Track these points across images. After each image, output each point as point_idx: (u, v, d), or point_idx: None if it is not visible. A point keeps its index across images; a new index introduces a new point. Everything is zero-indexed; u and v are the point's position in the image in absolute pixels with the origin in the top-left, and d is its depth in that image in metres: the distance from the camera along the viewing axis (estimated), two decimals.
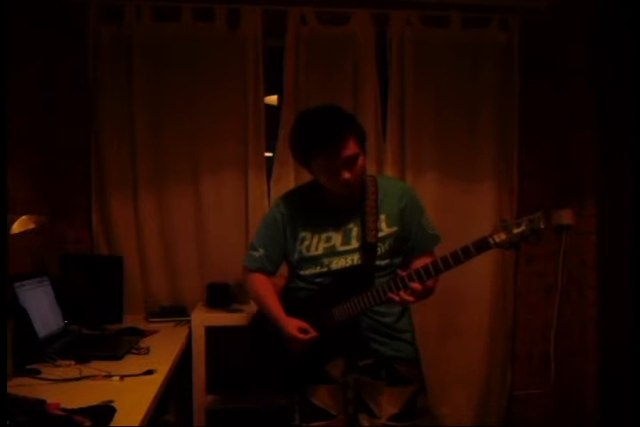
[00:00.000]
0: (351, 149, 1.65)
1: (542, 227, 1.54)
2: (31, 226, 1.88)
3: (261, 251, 1.86)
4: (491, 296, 2.95)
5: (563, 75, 3.02)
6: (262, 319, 1.88)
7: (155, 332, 2.33)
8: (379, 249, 1.75)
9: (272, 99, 3.06)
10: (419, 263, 1.68)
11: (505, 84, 2.97)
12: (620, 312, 2.65)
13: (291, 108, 2.82)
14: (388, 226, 1.77)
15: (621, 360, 2.64)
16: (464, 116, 2.94)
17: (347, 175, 1.66)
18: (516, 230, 1.53)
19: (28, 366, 1.72)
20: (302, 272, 1.82)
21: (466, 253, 1.54)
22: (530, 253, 3.07)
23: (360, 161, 1.69)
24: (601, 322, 2.80)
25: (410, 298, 1.59)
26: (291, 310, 1.78)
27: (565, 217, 2.97)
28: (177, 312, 2.64)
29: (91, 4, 2.72)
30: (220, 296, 2.59)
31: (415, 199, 1.85)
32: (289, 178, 2.82)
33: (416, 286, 1.58)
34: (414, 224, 1.81)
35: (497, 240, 1.53)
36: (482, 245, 1.54)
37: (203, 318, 2.47)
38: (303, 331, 1.72)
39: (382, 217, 1.77)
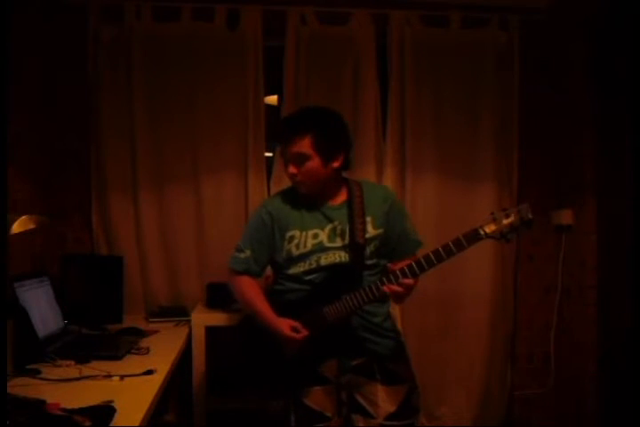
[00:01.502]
0: (300, 147, 1.73)
1: (531, 217, 1.59)
2: (31, 226, 1.87)
3: (248, 252, 1.84)
4: (491, 296, 2.95)
5: (562, 74, 3.02)
6: (250, 323, 1.86)
7: (155, 332, 2.33)
8: (367, 250, 1.79)
9: (272, 99, 3.06)
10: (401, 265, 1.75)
11: (505, 84, 2.97)
12: (620, 312, 2.65)
13: (291, 108, 2.81)
14: (374, 228, 1.81)
15: (621, 360, 2.64)
16: (464, 116, 2.94)
17: (291, 169, 1.77)
18: (505, 221, 1.59)
19: (28, 366, 1.72)
20: (291, 271, 1.82)
21: (457, 245, 1.60)
22: (530, 252, 3.07)
23: (310, 163, 1.74)
24: (601, 322, 2.81)
25: (401, 290, 1.65)
26: (281, 313, 1.77)
27: (565, 217, 2.97)
28: (177, 312, 2.64)
29: (91, 3, 2.72)
30: (220, 296, 2.58)
31: (398, 203, 1.92)
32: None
33: (408, 281, 1.64)
34: (397, 227, 1.87)
35: (487, 231, 1.59)
36: (472, 236, 1.60)
37: (203, 318, 2.47)
38: (295, 330, 1.72)
39: (368, 219, 1.81)
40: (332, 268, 1.78)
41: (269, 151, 2.93)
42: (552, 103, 3.05)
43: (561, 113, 3.03)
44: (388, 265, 1.84)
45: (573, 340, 2.95)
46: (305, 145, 1.72)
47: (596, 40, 2.79)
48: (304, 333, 1.72)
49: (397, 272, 1.66)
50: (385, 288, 1.66)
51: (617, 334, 2.70)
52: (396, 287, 1.65)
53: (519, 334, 3.07)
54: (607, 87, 2.74)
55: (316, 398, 1.80)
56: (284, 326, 1.73)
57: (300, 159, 1.74)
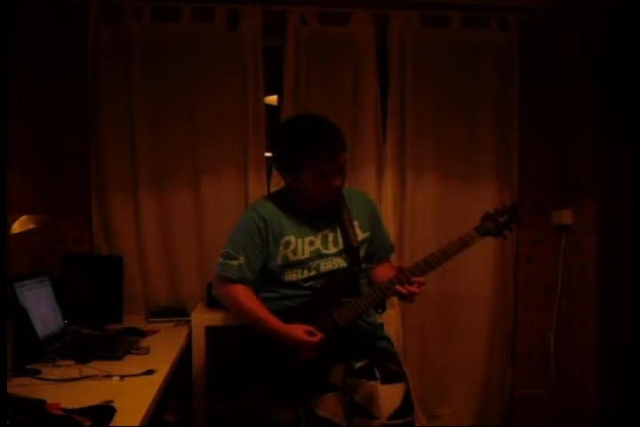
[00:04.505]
0: (344, 157, 1.75)
1: (521, 214, 1.81)
2: (31, 226, 1.88)
3: (241, 259, 1.76)
4: (491, 296, 2.95)
5: (562, 75, 3.02)
6: (248, 334, 1.81)
7: (155, 332, 2.34)
8: (360, 253, 1.83)
9: (272, 99, 3.06)
10: (381, 270, 1.88)
11: (505, 84, 2.97)
12: (620, 312, 2.65)
13: (291, 108, 2.82)
14: (362, 231, 1.86)
15: (621, 360, 2.64)
16: (464, 116, 2.95)
17: (338, 181, 1.75)
18: (500, 219, 1.80)
19: (28, 366, 1.72)
20: (288, 278, 1.79)
21: (461, 243, 1.73)
22: (530, 252, 3.07)
23: (345, 170, 1.78)
24: (601, 322, 2.81)
25: (417, 290, 1.69)
26: (284, 320, 1.73)
27: (565, 217, 2.97)
28: (177, 312, 2.64)
29: (91, 3, 2.72)
30: None
31: (376, 206, 1.99)
32: None
33: (422, 279, 1.69)
34: (378, 230, 1.93)
35: (487, 228, 1.78)
36: (473, 235, 1.75)
37: (203, 318, 2.48)
38: (311, 333, 1.71)
39: (356, 223, 1.85)
40: (332, 273, 1.79)
41: (269, 151, 2.93)
42: (552, 103, 3.05)
43: (561, 113, 3.03)
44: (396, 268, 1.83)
45: (573, 340, 2.95)
46: (344, 155, 1.76)
47: (596, 40, 2.79)
48: (320, 335, 1.71)
49: (407, 272, 1.69)
50: (402, 289, 1.68)
51: (617, 334, 2.70)
52: (410, 287, 1.68)
53: (519, 334, 3.07)
54: (607, 87, 2.74)
55: (327, 406, 1.79)
56: (299, 331, 1.70)
57: (343, 169, 1.77)
